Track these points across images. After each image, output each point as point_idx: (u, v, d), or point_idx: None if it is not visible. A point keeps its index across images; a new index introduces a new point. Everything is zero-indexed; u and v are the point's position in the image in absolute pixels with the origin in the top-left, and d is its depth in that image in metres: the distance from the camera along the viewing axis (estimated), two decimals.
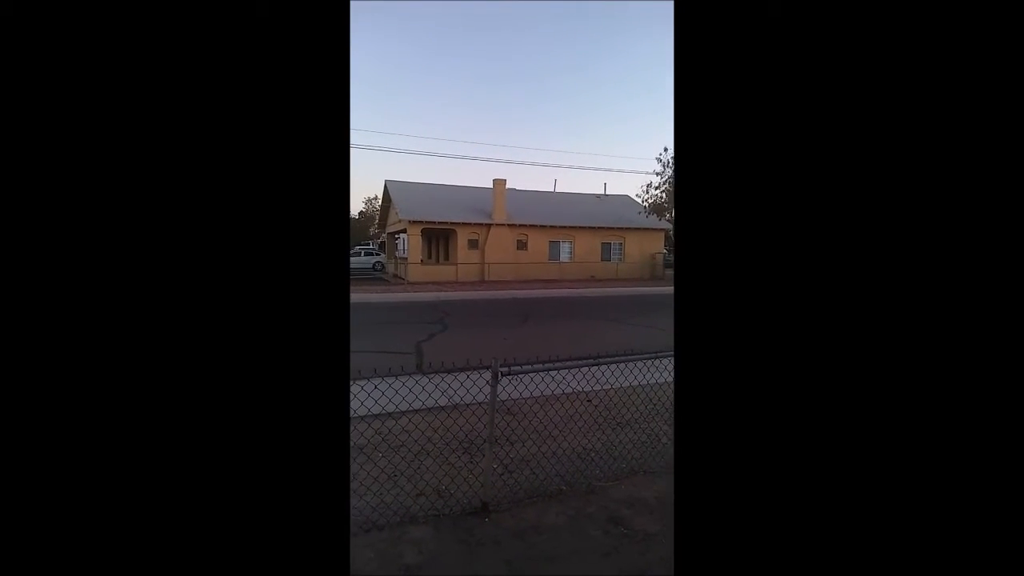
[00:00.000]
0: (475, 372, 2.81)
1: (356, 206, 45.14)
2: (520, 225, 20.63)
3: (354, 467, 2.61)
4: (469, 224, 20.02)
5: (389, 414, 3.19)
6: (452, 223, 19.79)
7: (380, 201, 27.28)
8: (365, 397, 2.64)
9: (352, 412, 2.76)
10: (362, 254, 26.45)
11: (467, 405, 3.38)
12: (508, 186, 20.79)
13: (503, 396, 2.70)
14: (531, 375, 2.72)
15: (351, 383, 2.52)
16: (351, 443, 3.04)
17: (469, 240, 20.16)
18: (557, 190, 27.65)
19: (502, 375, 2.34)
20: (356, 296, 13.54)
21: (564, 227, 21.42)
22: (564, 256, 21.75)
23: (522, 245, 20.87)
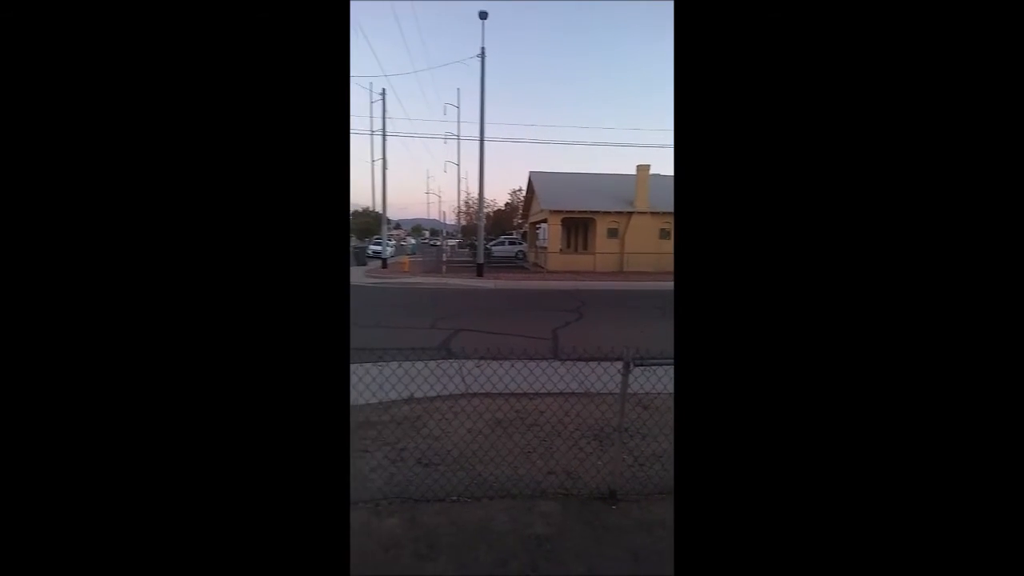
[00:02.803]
0: (608, 362, 2.82)
1: (502, 198, 47.45)
2: (664, 213, 19.52)
3: (492, 438, 2.86)
4: (609, 213, 19.63)
5: (524, 393, 3.39)
6: (592, 212, 19.64)
7: (524, 192, 28.32)
8: (503, 374, 2.85)
9: (492, 388, 3.01)
10: (506, 243, 27.94)
11: (599, 393, 3.41)
12: (652, 171, 19.79)
13: (635, 388, 2.67)
14: (666, 368, 2.64)
15: (492, 361, 2.75)
16: (491, 416, 3.32)
17: (609, 229, 19.80)
18: None
19: (634, 366, 2.32)
20: (499, 282, 14.39)
21: None
22: None
23: (665, 234, 19.74)
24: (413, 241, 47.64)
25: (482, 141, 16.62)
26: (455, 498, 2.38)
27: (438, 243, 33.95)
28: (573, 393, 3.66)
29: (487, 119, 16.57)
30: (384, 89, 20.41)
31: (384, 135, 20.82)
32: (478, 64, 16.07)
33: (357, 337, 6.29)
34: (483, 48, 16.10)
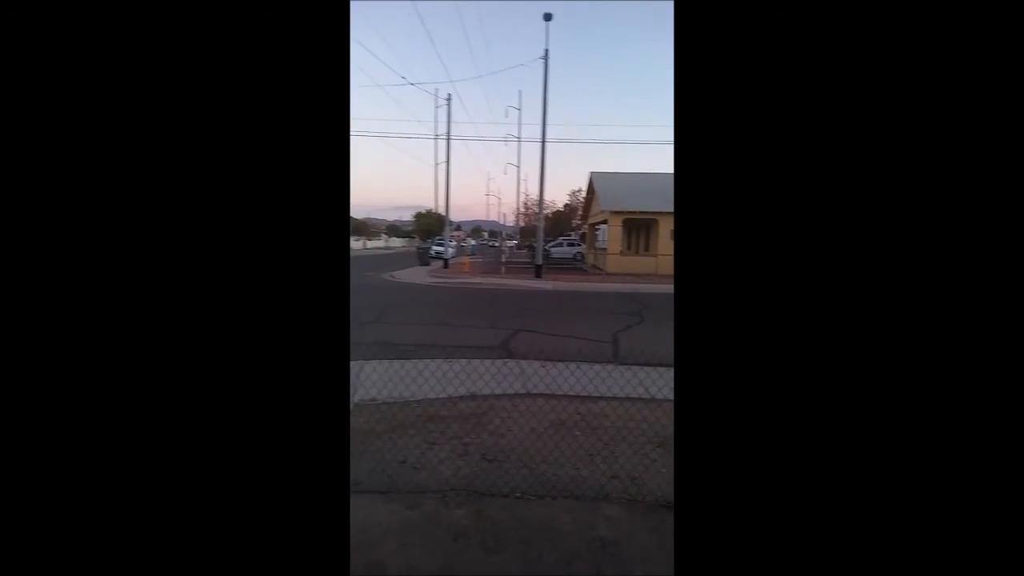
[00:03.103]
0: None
1: (561, 199, 47.22)
2: None
3: (556, 439, 2.88)
4: (673, 213, 18.97)
5: (588, 396, 3.38)
6: (655, 212, 19.07)
7: (584, 193, 28.08)
8: (568, 375, 2.87)
9: (553, 389, 3.04)
10: (564, 245, 27.86)
11: (665, 400, 3.33)
12: None
13: None
14: None
15: (552, 363, 2.77)
16: (554, 417, 3.35)
17: (672, 230, 19.13)
18: None
19: None
20: (558, 284, 14.36)
21: None
22: None
23: None
24: (473, 242, 48.67)
25: (543, 143, 16.66)
26: (518, 495, 2.42)
27: (497, 244, 34.42)
28: (639, 398, 3.60)
29: (548, 120, 16.58)
30: (449, 95, 21.07)
31: (448, 139, 21.44)
32: (539, 65, 16.13)
33: (422, 333, 6.56)
34: (547, 50, 16.15)
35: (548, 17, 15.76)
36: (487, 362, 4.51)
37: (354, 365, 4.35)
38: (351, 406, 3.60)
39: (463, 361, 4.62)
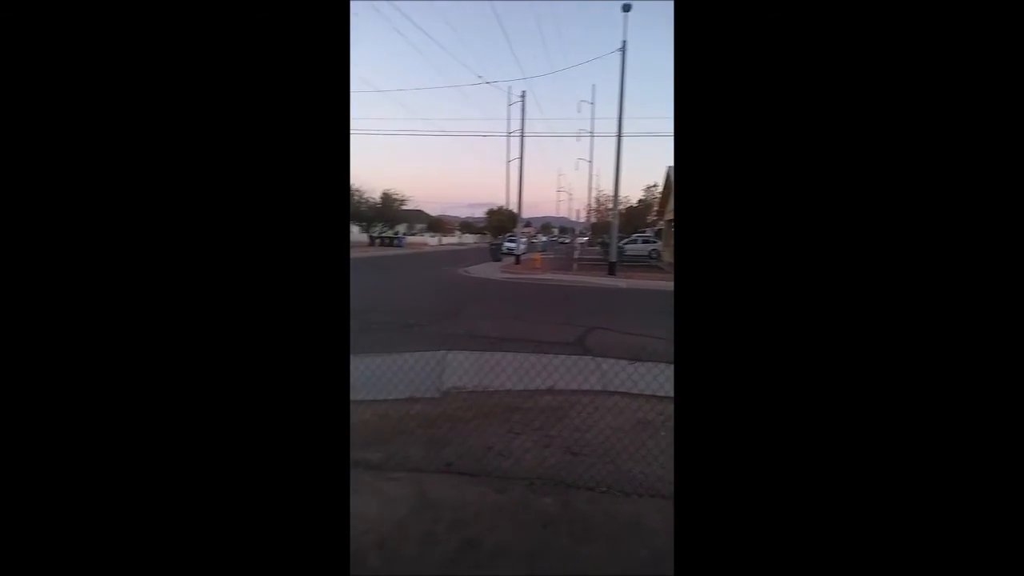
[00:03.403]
0: None
1: (635, 195, 45.94)
2: None
3: (643, 437, 2.86)
4: None
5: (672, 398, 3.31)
6: None
7: (660, 188, 27.07)
8: (656, 376, 2.83)
9: (644, 387, 3.01)
10: (639, 241, 27.02)
11: None
12: None
13: None
14: None
15: (646, 363, 2.73)
16: (641, 416, 3.31)
17: None
18: None
19: None
20: (632, 281, 14.03)
21: None
22: None
23: None
24: (544, 239, 48.83)
25: (619, 137, 16.31)
26: (604, 489, 2.44)
27: (567, 241, 34.25)
28: None
29: (623, 114, 16.18)
30: (524, 92, 21.31)
31: (522, 136, 21.66)
32: (615, 59, 15.78)
33: (499, 327, 6.73)
34: (624, 42, 15.76)
35: (627, 8, 15.37)
36: (570, 358, 4.55)
37: (438, 355, 4.59)
38: (440, 393, 3.82)
39: (545, 356, 4.69)
